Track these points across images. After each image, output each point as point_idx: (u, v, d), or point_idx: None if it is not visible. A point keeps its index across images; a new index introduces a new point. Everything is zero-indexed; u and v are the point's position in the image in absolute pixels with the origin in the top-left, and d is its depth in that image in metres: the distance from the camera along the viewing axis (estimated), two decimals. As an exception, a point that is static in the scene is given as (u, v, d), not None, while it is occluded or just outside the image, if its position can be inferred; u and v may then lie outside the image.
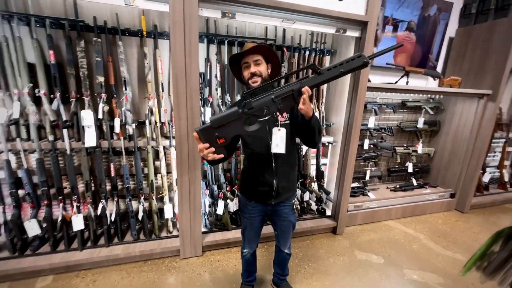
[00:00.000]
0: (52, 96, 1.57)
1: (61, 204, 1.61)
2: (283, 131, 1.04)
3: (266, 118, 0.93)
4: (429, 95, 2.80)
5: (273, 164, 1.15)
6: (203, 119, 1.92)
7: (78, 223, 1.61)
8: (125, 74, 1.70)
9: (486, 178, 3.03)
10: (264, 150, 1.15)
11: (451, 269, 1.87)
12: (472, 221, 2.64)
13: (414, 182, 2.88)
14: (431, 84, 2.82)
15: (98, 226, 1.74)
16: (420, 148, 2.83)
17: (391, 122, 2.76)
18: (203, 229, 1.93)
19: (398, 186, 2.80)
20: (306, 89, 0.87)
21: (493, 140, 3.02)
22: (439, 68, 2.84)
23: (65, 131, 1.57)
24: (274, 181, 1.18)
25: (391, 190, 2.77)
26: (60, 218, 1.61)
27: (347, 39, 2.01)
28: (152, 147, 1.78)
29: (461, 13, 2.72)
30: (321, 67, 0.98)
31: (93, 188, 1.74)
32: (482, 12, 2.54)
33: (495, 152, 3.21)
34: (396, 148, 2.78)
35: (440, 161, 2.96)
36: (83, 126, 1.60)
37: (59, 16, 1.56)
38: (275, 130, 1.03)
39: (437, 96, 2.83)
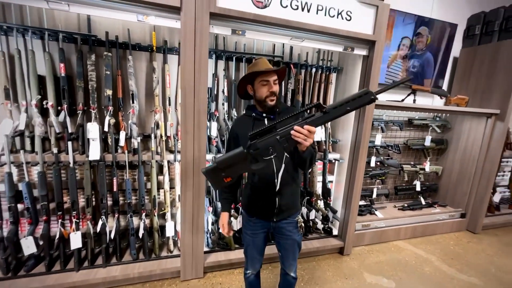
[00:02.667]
0: (59, 108, 1.56)
1: (59, 220, 1.55)
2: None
3: (272, 157, 0.92)
4: (435, 114, 2.79)
5: (276, 181, 1.12)
6: (208, 134, 1.90)
7: (76, 241, 1.55)
8: (133, 88, 1.70)
9: (496, 198, 2.94)
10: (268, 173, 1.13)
11: (467, 297, 1.76)
12: (485, 242, 2.53)
13: (423, 201, 2.80)
14: (437, 102, 2.82)
15: (97, 244, 1.67)
16: (427, 166, 2.78)
17: (398, 139, 2.73)
18: (205, 249, 1.85)
19: (406, 205, 2.72)
20: (308, 128, 0.87)
21: (502, 159, 2.97)
22: (444, 87, 2.84)
23: (69, 143, 1.55)
24: (277, 198, 1.14)
25: (399, 209, 2.69)
26: (58, 236, 1.54)
27: (354, 57, 2.02)
28: (156, 161, 1.75)
29: (464, 34, 2.77)
30: (325, 104, 0.98)
31: (94, 203, 1.68)
32: (486, 33, 2.58)
33: (504, 172, 3.15)
34: (403, 166, 2.73)
35: (449, 179, 2.89)
36: (88, 139, 1.58)
37: (72, 31, 1.59)
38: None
39: (444, 114, 2.81)
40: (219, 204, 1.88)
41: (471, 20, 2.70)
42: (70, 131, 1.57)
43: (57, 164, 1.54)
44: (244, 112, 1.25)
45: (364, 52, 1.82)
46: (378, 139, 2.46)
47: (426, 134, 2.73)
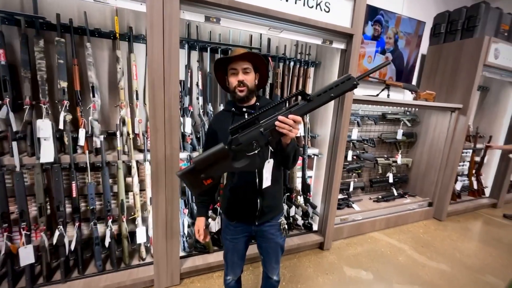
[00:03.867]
0: (0, 102, 1.32)
1: (5, 234, 1.33)
2: (271, 162, 0.95)
3: (256, 151, 0.84)
4: (405, 108, 2.91)
5: (257, 181, 1.04)
6: (182, 131, 1.76)
7: (27, 256, 1.34)
8: (93, 80, 1.50)
9: (458, 186, 3.18)
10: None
11: (437, 281, 1.86)
12: (449, 228, 2.72)
13: (395, 192, 2.94)
14: (407, 97, 2.95)
15: (54, 257, 1.47)
16: (399, 158, 2.91)
17: (372, 133, 2.81)
18: (182, 253, 1.73)
19: (380, 197, 2.82)
20: (293, 118, 0.82)
21: (462, 150, 3.21)
22: (413, 83, 2.98)
23: (14, 144, 1.32)
24: (259, 200, 1.06)
25: (374, 201, 2.78)
26: (3, 251, 1.32)
27: (331, 51, 2.00)
28: (123, 161, 1.58)
29: (431, 32, 2.91)
30: (308, 92, 0.88)
31: (49, 211, 1.47)
32: (451, 32, 2.73)
33: (464, 162, 3.42)
34: (378, 159, 2.83)
35: (418, 171, 3.06)
36: (38, 138, 1.36)
37: (14, 11, 1.34)
38: (265, 163, 0.93)
39: (414, 109, 2.95)
40: (195, 206, 1.77)
41: (437, 18, 2.84)
42: (15, 129, 1.34)
43: (-1, 169, 1.31)
44: (223, 107, 1.16)
45: (342, 46, 1.81)
46: (355, 134, 2.50)
47: (398, 128, 2.85)
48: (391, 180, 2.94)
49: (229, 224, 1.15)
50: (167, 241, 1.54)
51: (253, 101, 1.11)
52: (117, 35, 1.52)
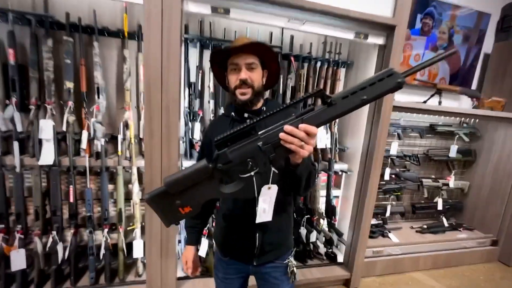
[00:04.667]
0: (7, 102, 1.31)
1: (1, 235, 1.29)
2: (273, 189, 0.69)
3: (252, 173, 0.61)
4: (462, 119, 2.38)
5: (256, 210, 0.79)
6: (190, 137, 1.60)
7: (18, 261, 1.27)
8: (99, 80, 1.43)
9: (535, 222, 2.48)
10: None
11: None
12: (524, 278, 2.09)
13: (445, 223, 2.40)
14: (464, 105, 2.42)
15: (47, 265, 1.39)
16: (452, 181, 2.38)
17: (417, 148, 2.34)
18: (180, 274, 1.54)
19: (425, 227, 2.32)
20: (305, 128, 0.57)
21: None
22: (473, 87, 2.44)
23: (16, 143, 1.29)
24: (257, 234, 0.81)
25: (417, 231, 2.29)
26: (-4, 254, 1.28)
27: (367, 49, 1.69)
28: (124, 167, 1.46)
29: (498, 26, 2.36)
30: (332, 92, 0.62)
31: (48, 215, 1.41)
32: (528, 25, 2.17)
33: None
34: (423, 180, 2.34)
35: (477, 198, 2.46)
36: (40, 139, 1.32)
37: (26, 11, 1.33)
38: (264, 188, 0.68)
39: (473, 120, 2.41)
40: (199, 221, 1.57)
41: (507, 9, 2.29)
42: (19, 129, 1.31)
43: (0, 169, 1.28)
44: (223, 111, 0.95)
45: (380, 41, 1.48)
46: (394, 148, 2.09)
47: (452, 143, 2.33)
48: (440, 207, 2.42)
49: (221, 259, 0.92)
50: (162, 259, 1.36)
51: (259, 105, 0.88)
52: (126, 33, 1.43)
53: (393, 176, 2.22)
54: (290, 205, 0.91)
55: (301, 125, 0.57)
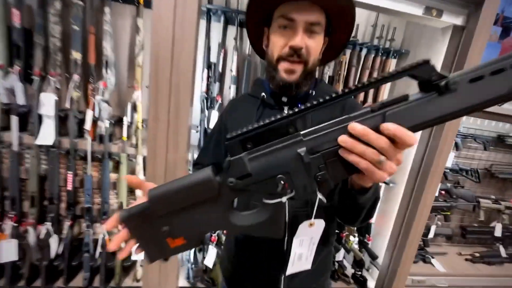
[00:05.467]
0: (9, 70, 1.17)
1: (-6, 220, 1.17)
2: (318, 226, 0.47)
3: (284, 199, 0.35)
4: (539, 130, 1.91)
5: (285, 244, 0.53)
6: (206, 126, 1.38)
7: (9, 252, 1.15)
8: (108, 52, 1.25)
9: None
10: None
11: None
12: None
13: (503, 252, 1.97)
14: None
15: (39, 259, 1.25)
16: (518, 205, 1.93)
17: (476, 162, 1.92)
18: (183, 283, 1.35)
19: (478, 255, 1.92)
20: (394, 131, 0.31)
21: None
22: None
23: (14, 118, 1.15)
24: (282, 276, 0.56)
25: (466, 259, 1.90)
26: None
27: (432, 34, 1.33)
28: (128, 155, 1.28)
29: None
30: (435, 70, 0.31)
31: (46, 203, 1.27)
32: None
33: None
34: (481, 200, 1.93)
35: (549, 228, 1.99)
36: (40, 115, 1.17)
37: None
38: (303, 226, 0.45)
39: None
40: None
41: None
42: (20, 102, 1.17)
43: (-5, 145, 1.15)
44: (250, 89, 0.70)
45: (458, 21, 1.12)
46: (450, 159, 1.71)
47: (523, 159, 1.89)
48: (498, 233, 1.99)
49: None
50: (161, 265, 1.16)
51: (305, 88, 0.61)
52: (141, 0, 1.23)
53: (443, 192, 1.84)
54: (333, 235, 0.65)
55: (384, 125, 0.31)
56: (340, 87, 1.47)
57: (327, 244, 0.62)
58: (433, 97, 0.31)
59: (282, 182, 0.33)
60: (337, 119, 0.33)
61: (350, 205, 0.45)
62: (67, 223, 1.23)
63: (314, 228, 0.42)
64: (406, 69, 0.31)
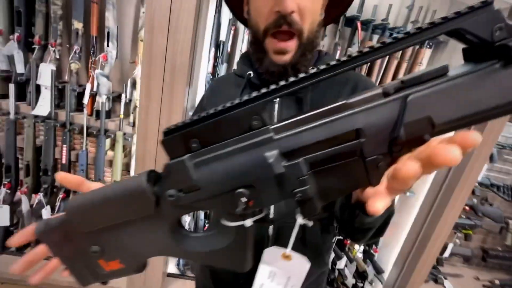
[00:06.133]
0: (10, 37, 1.13)
1: (-13, 185, 1.17)
2: (300, 264, 0.34)
3: (248, 222, 0.25)
4: None
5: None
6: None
7: (1, 217, 1.15)
8: (110, 24, 1.17)
9: None
10: None
11: None
12: None
13: (529, 283, 1.75)
14: None
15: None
16: (556, 231, 1.69)
17: (512, 178, 1.69)
18: (172, 270, 1.30)
19: (497, 283, 1.72)
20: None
21: None
22: None
23: (12, 86, 1.11)
24: None
25: (484, 286, 1.71)
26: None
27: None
28: (124, 134, 1.22)
29: None
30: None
31: (41, 173, 1.26)
32: None
33: None
34: (510, 222, 1.70)
35: None
36: (38, 86, 1.13)
37: None
38: (271, 252, 0.33)
39: None
40: (202, 215, 1.28)
41: None
42: (19, 70, 1.14)
43: (-9, 111, 1.14)
44: (236, 66, 0.59)
45: (517, 1, 0.92)
46: (481, 172, 1.50)
47: None
48: (525, 261, 1.77)
49: None
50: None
51: (306, 67, 0.48)
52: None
53: (468, 208, 1.63)
54: (329, 253, 0.53)
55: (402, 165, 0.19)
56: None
57: (319, 265, 0.50)
58: (495, 68, 0.18)
59: (244, 200, 0.22)
60: (326, 107, 0.22)
61: (353, 224, 0.33)
62: (60, 196, 1.20)
63: (292, 264, 0.30)
64: (450, 18, 0.18)
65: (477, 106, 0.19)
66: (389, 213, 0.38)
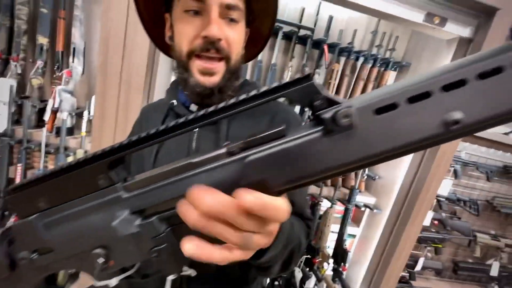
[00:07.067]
0: (-31, 50, 1.10)
1: None
2: None
3: (112, 282, 0.25)
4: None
5: None
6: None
7: None
8: (76, 40, 1.16)
9: None
10: None
11: None
12: None
13: (498, 295, 1.79)
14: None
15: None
16: (520, 244, 1.75)
17: (477, 193, 1.75)
18: None
19: (469, 295, 1.75)
20: (262, 208, 0.19)
21: None
22: None
23: (-36, 102, 1.07)
24: None
25: (455, 299, 1.73)
26: None
27: (435, 47, 1.19)
28: (86, 152, 1.18)
29: None
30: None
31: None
32: None
33: None
34: (478, 234, 1.75)
35: (553, 273, 1.80)
36: (-6, 101, 1.09)
37: None
38: None
39: None
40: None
41: None
42: (-23, 86, 1.10)
43: None
44: (165, 95, 0.58)
45: (465, 32, 0.98)
46: (446, 187, 1.57)
47: (530, 194, 1.71)
48: (494, 273, 1.82)
49: None
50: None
51: (231, 93, 0.50)
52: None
53: (436, 222, 1.67)
54: (255, 281, 0.52)
55: (238, 198, 0.19)
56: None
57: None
58: (315, 136, 0.19)
59: (102, 260, 0.22)
60: (176, 165, 0.21)
61: (250, 263, 0.33)
62: (12, 220, 1.14)
63: None
64: (278, 87, 0.19)
65: (301, 171, 0.19)
66: (292, 247, 0.36)
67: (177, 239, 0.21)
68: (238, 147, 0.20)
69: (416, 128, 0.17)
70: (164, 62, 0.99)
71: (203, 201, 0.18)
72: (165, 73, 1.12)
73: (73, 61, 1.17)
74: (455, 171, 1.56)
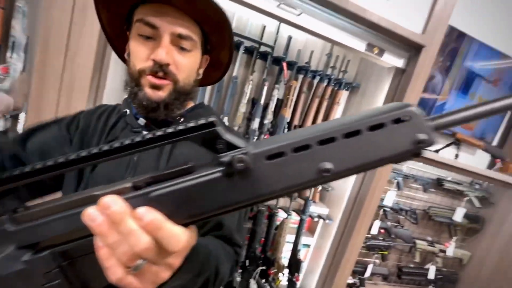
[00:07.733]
0: None
1: None
2: None
3: None
4: (474, 180, 2.01)
5: None
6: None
7: None
8: (17, 33, 1.05)
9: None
10: None
11: None
12: None
13: (434, 296, 1.98)
14: (480, 162, 2.05)
15: None
16: (451, 248, 1.98)
17: (416, 203, 1.96)
18: None
19: (410, 298, 1.91)
20: (157, 229, 0.20)
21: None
22: (493, 144, 2.08)
23: None
24: None
25: (399, 302, 1.88)
26: None
27: (380, 72, 1.33)
28: (20, 158, 1.06)
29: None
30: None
31: None
32: None
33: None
34: (417, 241, 1.94)
35: (477, 273, 2.06)
36: None
37: None
38: None
39: (485, 183, 2.04)
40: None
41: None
42: None
43: None
44: (122, 102, 0.57)
45: (399, 63, 1.12)
46: (390, 198, 1.72)
47: (458, 204, 1.96)
48: (431, 276, 2.02)
49: None
50: None
51: (177, 111, 0.51)
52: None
53: (382, 231, 1.82)
54: None
55: (137, 211, 0.19)
56: (287, 113, 1.41)
57: None
58: (216, 176, 0.20)
59: None
60: (79, 197, 0.21)
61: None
62: None
63: None
64: (183, 130, 0.20)
65: (202, 208, 0.20)
66: (207, 276, 0.35)
67: (75, 273, 0.21)
68: (145, 181, 0.21)
69: (298, 173, 0.20)
70: (117, 64, 0.95)
71: (109, 204, 0.19)
72: (119, 75, 1.08)
73: (11, 57, 1.06)
74: (397, 183, 1.73)
